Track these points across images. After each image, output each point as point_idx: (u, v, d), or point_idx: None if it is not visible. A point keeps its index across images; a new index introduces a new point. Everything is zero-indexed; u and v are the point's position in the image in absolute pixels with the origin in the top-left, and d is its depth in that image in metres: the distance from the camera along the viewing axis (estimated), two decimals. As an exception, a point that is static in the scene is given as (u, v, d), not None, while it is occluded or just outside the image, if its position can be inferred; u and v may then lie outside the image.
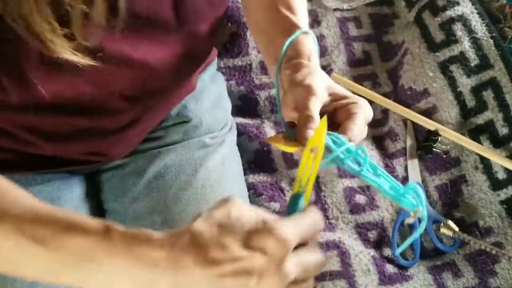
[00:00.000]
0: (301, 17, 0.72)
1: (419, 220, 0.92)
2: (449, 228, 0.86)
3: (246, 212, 0.46)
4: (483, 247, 0.80)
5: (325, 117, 0.56)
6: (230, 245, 0.43)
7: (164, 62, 0.64)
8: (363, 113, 0.60)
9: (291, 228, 0.47)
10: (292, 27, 0.70)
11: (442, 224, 0.86)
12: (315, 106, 0.59)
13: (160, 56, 0.64)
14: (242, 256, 0.43)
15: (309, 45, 0.68)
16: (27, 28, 0.46)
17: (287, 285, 0.46)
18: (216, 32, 0.73)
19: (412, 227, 0.94)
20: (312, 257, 0.50)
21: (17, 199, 0.49)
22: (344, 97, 0.62)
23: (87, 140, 0.72)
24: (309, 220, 0.50)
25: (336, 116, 0.62)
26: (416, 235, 0.60)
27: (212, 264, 0.42)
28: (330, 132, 0.58)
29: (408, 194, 0.55)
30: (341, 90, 0.63)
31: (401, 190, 0.55)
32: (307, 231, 0.49)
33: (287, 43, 0.66)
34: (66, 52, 0.49)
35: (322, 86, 0.62)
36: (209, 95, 0.89)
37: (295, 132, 0.60)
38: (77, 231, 0.45)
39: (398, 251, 0.89)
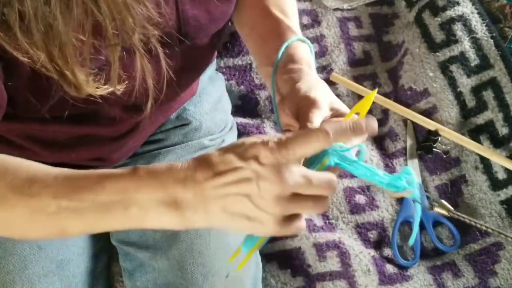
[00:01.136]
0: (294, 21, 0.72)
1: (415, 223, 0.92)
2: (444, 207, 0.85)
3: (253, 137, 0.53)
4: (481, 244, 0.80)
5: (375, 91, 0.60)
6: (231, 159, 0.50)
7: (164, 75, 0.64)
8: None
9: (286, 139, 0.50)
10: (286, 30, 0.70)
11: (437, 204, 0.85)
12: (318, 119, 0.60)
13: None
14: (240, 166, 0.49)
15: (306, 52, 0.68)
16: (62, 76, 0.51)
17: (288, 192, 0.49)
18: (217, 42, 0.73)
19: (411, 228, 0.94)
20: (320, 174, 0.52)
21: (44, 169, 0.54)
22: (343, 114, 0.63)
23: (86, 147, 0.72)
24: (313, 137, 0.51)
25: None
26: (417, 219, 0.60)
27: (218, 176, 0.49)
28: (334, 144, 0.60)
29: (401, 180, 0.55)
30: (341, 106, 0.64)
31: (395, 177, 0.56)
32: (305, 146, 0.51)
33: (283, 47, 0.66)
34: (91, 91, 0.54)
35: (326, 100, 0.62)
36: (209, 98, 0.89)
37: None
38: (108, 179, 0.51)
39: (411, 240, 0.89)
